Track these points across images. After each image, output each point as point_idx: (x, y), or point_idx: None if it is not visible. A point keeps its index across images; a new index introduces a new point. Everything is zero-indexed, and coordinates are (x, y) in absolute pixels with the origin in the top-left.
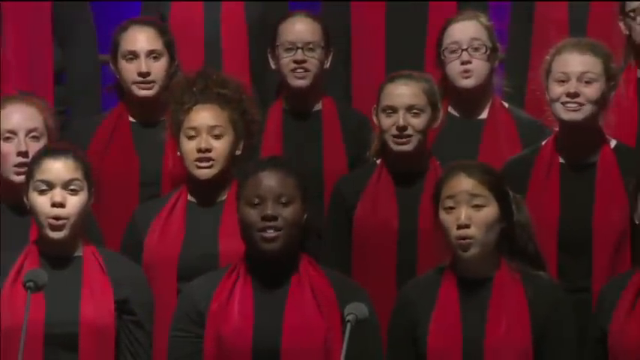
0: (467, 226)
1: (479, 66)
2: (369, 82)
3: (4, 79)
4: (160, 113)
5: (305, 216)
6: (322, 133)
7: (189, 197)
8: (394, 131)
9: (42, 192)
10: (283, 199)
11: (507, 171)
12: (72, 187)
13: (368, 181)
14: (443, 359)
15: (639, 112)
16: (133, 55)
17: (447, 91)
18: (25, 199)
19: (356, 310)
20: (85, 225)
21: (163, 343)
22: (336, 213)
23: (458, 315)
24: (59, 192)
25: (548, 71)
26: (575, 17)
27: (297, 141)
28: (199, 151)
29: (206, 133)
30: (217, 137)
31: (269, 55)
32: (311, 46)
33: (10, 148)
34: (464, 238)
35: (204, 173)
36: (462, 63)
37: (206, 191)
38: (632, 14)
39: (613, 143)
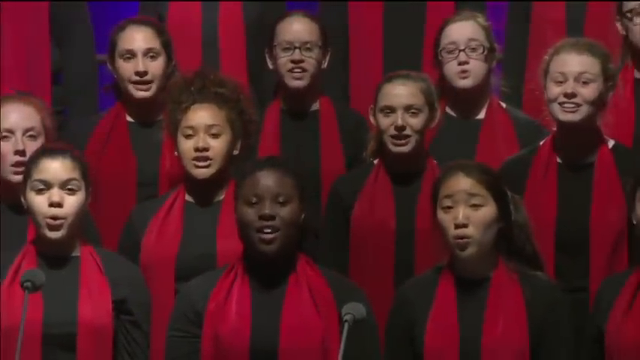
0: (464, 226)
1: (476, 66)
2: (366, 82)
3: (2, 79)
4: (158, 113)
5: (303, 216)
6: (320, 133)
7: (187, 197)
8: (392, 131)
9: (39, 192)
10: (281, 199)
11: (505, 171)
12: (69, 187)
13: (365, 181)
14: (440, 359)
15: (636, 112)
16: (131, 55)
17: (444, 91)
18: (22, 199)
19: (353, 310)
20: (83, 225)
21: (161, 343)
22: (333, 213)
23: (455, 315)
24: (57, 192)
25: (546, 71)
26: (573, 17)
27: (295, 141)
28: (197, 150)
29: (204, 132)
30: (215, 136)
31: (266, 55)
32: (308, 45)
33: (7, 147)
34: (461, 238)
35: (202, 172)
36: (460, 63)
37: (204, 191)
38: (629, 15)
39: (611, 143)
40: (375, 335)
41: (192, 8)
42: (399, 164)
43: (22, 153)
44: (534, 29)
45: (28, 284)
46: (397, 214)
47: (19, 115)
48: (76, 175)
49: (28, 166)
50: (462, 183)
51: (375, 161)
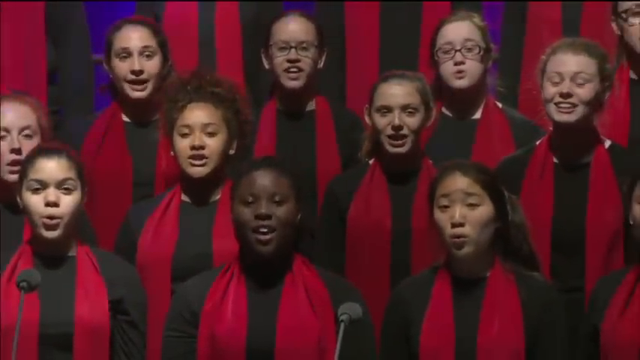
0: (461, 225)
1: (472, 66)
2: (363, 82)
3: None
4: (154, 113)
5: (299, 216)
6: (315, 133)
7: (183, 197)
8: (389, 131)
9: (35, 191)
10: (277, 198)
11: (501, 170)
12: (65, 187)
13: (361, 181)
14: (435, 358)
15: (632, 112)
16: (127, 53)
17: (440, 91)
18: (18, 199)
19: (350, 310)
20: (79, 225)
21: (157, 343)
22: (329, 213)
23: (451, 314)
24: (53, 191)
25: (543, 71)
26: (569, 17)
27: (291, 141)
28: (193, 148)
29: (199, 130)
30: (211, 135)
31: (262, 55)
32: (304, 45)
33: (3, 146)
34: (458, 237)
35: (198, 171)
36: (456, 63)
37: (200, 191)
38: (624, 15)
39: (607, 143)
40: (371, 335)
41: (189, 8)
42: (395, 164)
43: (17, 152)
44: (530, 29)
45: (24, 284)
46: (393, 214)
47: (15, 114)
48: (72, 174)
49: (24, 165)
50: (459, 182)
51: (371, 161)
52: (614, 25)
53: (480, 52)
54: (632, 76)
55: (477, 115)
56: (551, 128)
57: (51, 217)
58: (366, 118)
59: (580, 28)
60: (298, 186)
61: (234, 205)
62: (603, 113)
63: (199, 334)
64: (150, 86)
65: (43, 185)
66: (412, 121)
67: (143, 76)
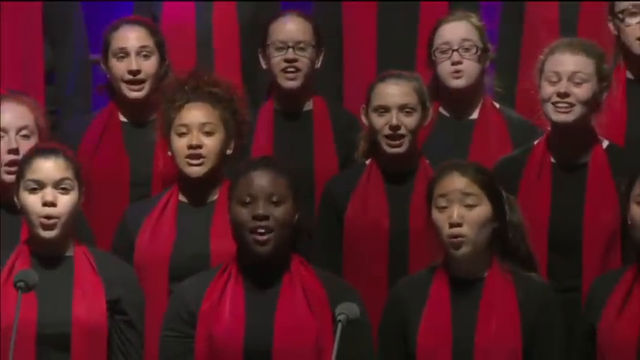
0: (459, 225)
1: (469, 66)
2: (360, 82)
3: None
4: (151, 113)
5: (296, 216)
6: (313, 133)
7: (181, 197)
8: (387, 131)
9: (33, 191)
10: (275, 199)
11: (499, 170)
12: (63, 187)
13: (358, 182)
14: (433, 358)
15: (628, 112)
16: (124, 53)
17: (438, 91)
18: (15, 199)
19: (347, 310)
20: (76, 225)
21: (154, 343)
22: (326, 213)
23: (448, 314)
24: (50, 191)
25: (541, 71)
26: (566, 17)
27: (288, 141)
28: (190, 147)
29: (197, 130)
30: (208, 134)
31: (260, 55)
32: (302, 45)
33: (1, 146)
34: (456, 237)
35: (195, 171)
36: (453, 63)
37: (197, 191)
38: (620, 15)
39: (605, 144)
40: (368, 335)
41: (187, 8)
42: (393, 164)
43: (15, 152)
44: (528, 29)
45: (21, 284)
46: (390, 214)
47: (13, 114)
48: (69, 174)
49: (22, 166)
50: (457, 182)
51: (367, 161)
52: (610, 26)
53: (477, 52)
54: (629, 76)
55: (475, 115)
56: (549, 128)
57: (48, 217)
58: (363, 118)
59: (577, 29)
60: (296, 186)
61: (231, 205)
62: (600, 113)
63: (197, 334)
64: (147, 86)
65: (40, 185)
66: (410, 121)
67: (140, 76)
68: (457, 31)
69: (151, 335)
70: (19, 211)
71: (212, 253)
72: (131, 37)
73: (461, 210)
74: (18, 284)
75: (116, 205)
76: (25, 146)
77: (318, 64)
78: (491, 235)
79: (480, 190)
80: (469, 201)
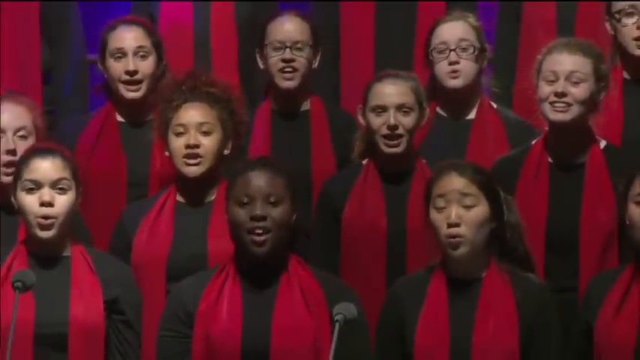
0: (457, 225)
1: (467, 66)
2: (357, 82)
3: None
4: (148, 113)
5: (294, 216)
6: (310, 133)
7: (178, 197)
8: (385, 131)
9: (30, 191)
10: (272, 199)
11: (496, 170)
12: (60, 187)
13: (355, 182)
14: (430, 358)
15: (625, 113)
16: (121, 54)
17: (435, 91)
18: (12, 199)
19: (345, 309)
20: (73, 225)
21: (152, 343)
22: (323, 213)
23: (446, 314)
24: (47, 191)
25: (539, 70)
26: (563, 17)
27: (286, 141)
28: (187, 147)
29: (194, 129)
30: (206, 134)
31: (257, 55)
32: (299, 45)
33: None
34: (454, 237)
35: (193, 171)
36: (450, 63)
37: (195, 191)
38: (617, 15)
39: (603, 144)
40: (366, 335)
41: (184, 8)
42: (390, 164)
43: (12, 152)
44: (525, 29)
45: (19, 284)
46: (388, 214)
47: (10, 115)
48: (66, 174)
49: (19, 166)
50: (455, 182)
51: (364, 161)
52: (607, 25)
53: (474, 52)
54: (626, 76)
55: (472, 115)
56: (546, 128)
57: (45, 217)
58: (360, 119)
59: (575, 29)
60: (293, 186)
61: (229, 205)
62: (598, 113)
63: (194, 335)
64: (144, 86)
65: (37, 185)
66: (407, 121)
67: (137, 77)
68: (454, 31)
69: (148, 335)
70: (17, 212)
71: (209, 253)
72: (128, 37)
73: (459, 210)
74: (15, 284)
75: (113, 205)
76: (22, 147)
77: (316, 64)
78: (489, 235)
79: (478, 191)
80: (467, 201)
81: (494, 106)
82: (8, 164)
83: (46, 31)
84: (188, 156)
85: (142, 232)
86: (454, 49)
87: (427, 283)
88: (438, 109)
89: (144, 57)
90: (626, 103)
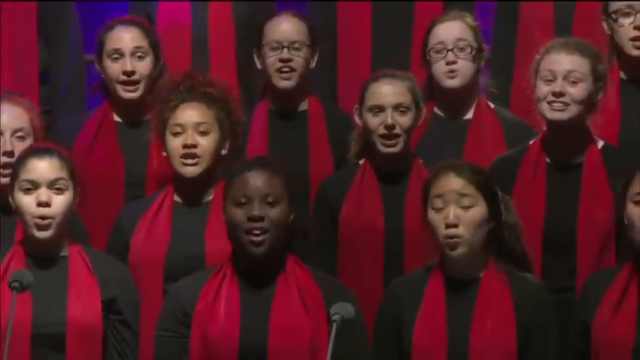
0: (455, 226)
1: (464, 66)
2: (354, 82)
3: None
4: (145, 113)
5: (292, 216)
6: (308, 133)
7: (176, 198)
8: (382, 130)
9: (27, 191)
10: (270, 199)
11: (494, 170)
12: (57, 187)
13: (352, 182)
14: (427, 357)
15: (622, 112)
16: (118, 54)
17: (432, 91)
18: (10, 199)
19: (342, 309)
20: (71, 225)
21: (149, 343)
22: (320, 213)
23: (444, 314)
24: (45, 191)
25: (537, 70)
26: (561, 17)
27: (283, 141)
28: (185, 146)
29: (192, 129)
30: (203, 134)
31: (255, 55)
32: (297, 45)
33: None
34: (452, 238)
35: (190, 171)
36: (448, 63)
37: (192, 191)
38: (614, 15)
39: (600, 144)
40: (363, 335)
41: (182, 8)
42: (387, 164)
43: (10, 154)
44: (522, 29)
45: (16, 284)
46: (385, 214)
47: (8, 116)
48: (63, 174)
49: (16, 166)
50: (453, 183)
51: (361, 161)
52: (604, 25)
53: (471, 52)
54: (622, 76)
55: (469, 115)
56: (544, 128)
57: (43, 218)
58: (356, 119)
59: (572, 28)
60: (291, 186)
61: (226, 206)
62: (595, 114)
63: (192, 335)
64: (141, 87)
65: (34, 185)
66: (404, 121)
67: (135, 77)
68: (452, 31)
69: (145, 335)
70: (14, 212)
71: (207, 253)
72: (125, 37)
73: (457, 211)
74: (13, 284)
75: (111, 205)
76: (20, 148)
77: (313, 64)
78: (486, 235)
79: (475, 191)
80: (465, 202)
81: (492, 106)
82: (5, 166)
83: (43, 31)
84: (185, 156)
85: (140, 232)
86: (451, 49)
87: (425, 283)
88: (436, 109)
89: (141, 57)
90: (623, 103)
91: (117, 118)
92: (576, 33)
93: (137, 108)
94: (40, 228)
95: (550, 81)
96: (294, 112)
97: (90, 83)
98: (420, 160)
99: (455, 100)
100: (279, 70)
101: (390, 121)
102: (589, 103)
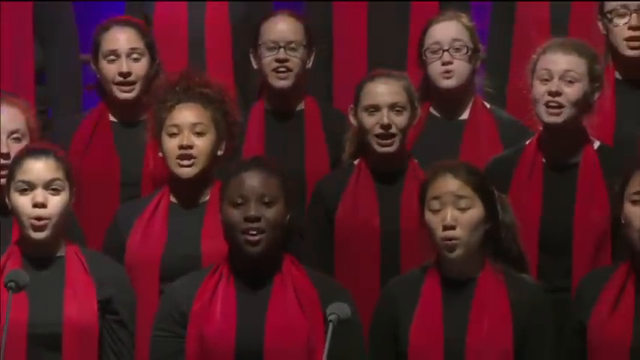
0: (453, 228)
1: (460, 66)
2: (350, 82)
3: None
4: (141, 113)
5: (288, 216)
6: (304, 134)
7: (172, 198)
8: (378, 130)
9: (23, 192)
10: (266, 200)
11: (490, 170)
12: (53, 187)
13: (347, 182)
14: (424, 357)
15: (617, 112)
16: (114, 56)
17: (428, 91)
18: (6, 200)
19: (338, 309)
20: (67, 225)
21: (145, 343)
22: (315, 213)
23: (440, 314)
24: (40, 192)
25: (533, 70)
26: (557, 17)
27: (280, 141)
28: (181, 147)
29: (188, 130)
30: (199, 135)
31: (251, 55)
32: (293, 45)
33: None
34: (449, 239)
35: (186, 172)
36: (443, 63)
37: (188, 192)
38: (609, 15)
39: (596, 144)
40: (359, 335)
41: (179, 8)
42: (382, 164)
43: (6, 156)
44: (518, 29)
45: (12, 284)
46: (381, 214)
47: (4, 117)
48: (59, 175)
49: (12, 167)
50: (450, 185)
51: (356, 161)
52: (600, 25)
53: (467, 52)
54: (617, 76)
55: (465, 116)
56: (540, 128)
57: (39, 219)
58: (351, 119)
59: (568, 28)
60: (287, 186)
61: (223, 206)
62: (592, 114)
63: (188, 335)
64: (137, 87)
65: (30, 186)
66: (400, 120)
67: (131, 78)
68: (448, 31)
69: (141, 335)
70: (10, 212)
71: (203, 254)
72: (121, 38)
73: (454, 212)
74: (8, 284)
75: (106, 205)
76: (16, 149)
77: (310, 64)
78: (483, 236)
79: (472, 193)
80: (462, 204)
81: (488, 106)
82: (1, 167)
83: (39, 30)
84: (181, 157)
85: (136, 233)
86: (447, 50)
87: (421, 283)
88: (432, 110)
89: (137, 59)
90: (618, 103)
91: (113, 119)
92: (572, 33)
93: (133, 108)
94: (36, 229)
95: (546, 80)
96: (291, 112)
97: (85, 83)
98: (416, 160)
99: (451, 101)
100: (276, 70)
101: (386, 120)
102: (584, 104)
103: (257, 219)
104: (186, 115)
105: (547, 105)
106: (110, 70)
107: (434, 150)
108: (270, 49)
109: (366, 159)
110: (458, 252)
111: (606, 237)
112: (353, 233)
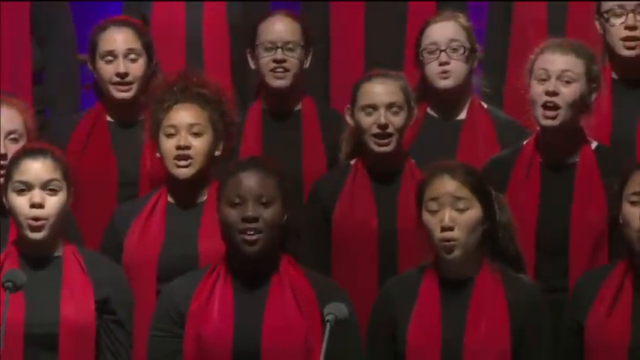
0: (451, 229)
1: (457, 67)
2: (347, 83)
3: None
4: (138, 113)
5: (285, 216)
6: (302, 134)
7: (169, 198)
8: (375, 130)
9: (20, 192)
10: (264, 200)
11: (488, 171)
12: (51, 188)
13: (344, 182)
14: (422, 358)
15: (613, 112)
16: (112, 56)
17: (425, 91)
18: (3, 200)
19: (336, 309)
20: (64, 225)
21: (143, 343)
22: (313, 213)
23: (438, 314)
24: (38, 192)
25: (531, 70)
26: (554, 17)
27: (277, 141)
28: (178, 148)
29: (185, 131)
30: (196, 135)
31: (248, 55)
32: (290, 45)
33: None
34: (448, 240)
35: (183, 172)
36: (441, 64)
37: (186, 192)
38: (606, 15)
39: (594, 145)
40: (357, 335)
41: (176, 8)
42: (379, 164)
43: (3, 157)
44: (515, 29)
45: (9, 284)
46: (378, 214)
47: (2, 118)
48: (57, 175)
49: (9, 167)
50: (448, 186)
51: (353, 161)
52: (597, 25)
53: (465, 52)
54: (614, 76)
55: (462, 116)
56: (537, 128)
57: (36, 219)
58: (348, 119)
59: (566, 29)
60: (285, 186)
61: (220, 206)
62: (589, 114)
63: (185, 335)
64: (135, 87)
65: (28, 186)
66: (397, 120)
67: (128, 79)
68: (445, 31)
69: (139, 335)
70: (8, 213)
71: (201, 254)
72: (119, 39)
73: (452, 214)
74: (6, 284)
75: (104, 205)
76: (13, 150)
77: (307, 65)
78: (481, 236)
79: (470, 193)
80: (460, 205)
81: (485, 106)
82: None
83: (36, 30)
84: (179, 157)
85: (133, 233)
86: (444, 50)
87: (419, 283)
88: (429, 110)
89: (134, 59)
90: (615, 103)
91: (110, 119)
92: (569, 33)
93: (130, 108)
94: (34, 229)
95: (544, 80)
96: (288, 112)
97: (83, 83)
98: (412, 160)
99: (448, 101)
100: (273, 71)
101: (383, 120)
102: (582, 105)
103: (254, 219)
104: (184, 115)
105: (544, 105)
106: (107, 70)
107: (431, 150)
108: (267, 49)
109: (362, 159)
110: (456, 253)
111: (603, 237)
112: (350, 233)
